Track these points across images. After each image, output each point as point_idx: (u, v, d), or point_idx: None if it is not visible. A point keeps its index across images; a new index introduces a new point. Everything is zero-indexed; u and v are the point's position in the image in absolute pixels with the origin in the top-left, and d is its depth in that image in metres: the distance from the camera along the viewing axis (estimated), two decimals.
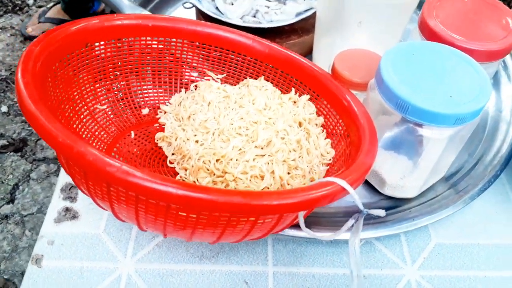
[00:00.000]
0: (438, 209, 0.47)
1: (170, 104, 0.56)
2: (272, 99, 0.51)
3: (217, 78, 0.57)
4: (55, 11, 1.56)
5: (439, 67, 0.45)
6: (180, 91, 0.57)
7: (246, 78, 0.57)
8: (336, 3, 0.54)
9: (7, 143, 1.22)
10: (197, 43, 0.56)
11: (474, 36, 0.49)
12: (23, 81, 0.35)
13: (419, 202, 0.49)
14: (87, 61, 0.48)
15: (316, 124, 0.51)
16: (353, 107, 0.47)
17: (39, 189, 1.15)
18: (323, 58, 0.62)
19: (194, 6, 0.66)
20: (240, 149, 0.45)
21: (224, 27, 0.56)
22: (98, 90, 0.50)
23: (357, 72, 0.51)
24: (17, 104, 1.28)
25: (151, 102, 0.56)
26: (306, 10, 0.62)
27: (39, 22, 1.56)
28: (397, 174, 0.49)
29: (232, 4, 0.63)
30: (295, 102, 0.52)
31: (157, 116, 0.55)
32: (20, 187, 1.13)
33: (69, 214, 0.50)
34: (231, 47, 0.56)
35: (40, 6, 1.69)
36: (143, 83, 0.55)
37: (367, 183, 0.53)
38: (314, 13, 0.62)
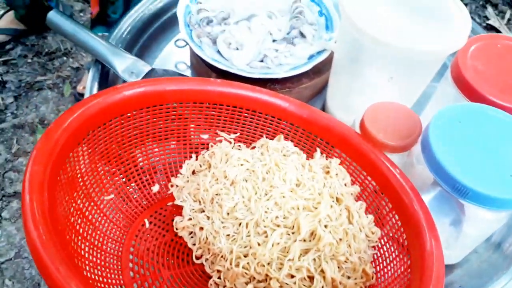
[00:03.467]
0: (489, 281, 0.44)
1: (181, 174, 0.49)
2: (302, 170, 0.46)
3: (230, 138, 0.51)
4: (8, 21, 1.41)
5: (492, 137, 0.41)
6: (191, 157, 0.51)
7: (262, 137, 0.51)
8: (357, 51, 0.48)
9: None
10: (207, 104, 0.49)
11: None
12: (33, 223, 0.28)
13: (464, 271, 0.46)
14: (87, 153, 0.40)
15: (352, 194, 0.46)
16: (401, 183, 0.42)
17: (14, 230, 1.05)
18: (339, 105, 0.57)
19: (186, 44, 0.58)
20: (281, 244, 0.39)
21: (235, 84, 0.49)
22: (103, 177, 0.43)
23: (391, 133, 0.46)
24: None
25: (161, 175, 0.49)
26: (319, 52, 0.56)
27: None
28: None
29: (237, 49, 0.56)
30: (327, 171, 0.47)
31: (169, 192, 0.48)
32: None
33: None
34: (244, 104, 0.50)
35: None
36: (150, 155, 0.48)
37: None
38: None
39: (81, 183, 0.39)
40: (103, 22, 1.24)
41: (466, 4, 1.65)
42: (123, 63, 0.55)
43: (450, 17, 0.47)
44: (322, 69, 0.59)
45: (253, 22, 0.57)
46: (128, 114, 0.44)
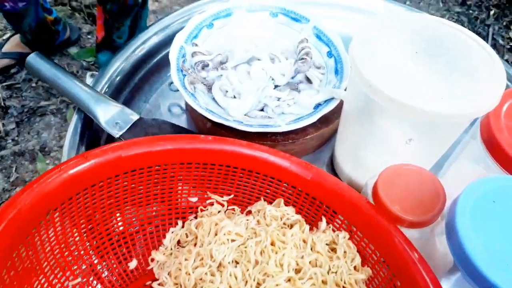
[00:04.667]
0: None
1: (164, 246, 0.43)
2: (304, 249, 0.39)
3: (223, 201, 0.45)
4: (14, 44, 1.38)
5: None
6: (176, 223, 0.44)
7: (259, 199, 0.44)
8: (369, 108, 0.41)
9: None
10: (197, 163, 0.43)
11: None
12: None
13: None
14: (48, 235, 0.34)
15: (363, 281, 0.39)
16: (420, 272, 0.35)
17: None
18: (349, 160, 0.50)
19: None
20: None
21: (229, 140, 0.43)
22: (67, 258, 0.37)
23: (409, 206, 0.39)
24: None
25: (140, 247, 0.42)
26: (327, 101, 0.50)
27: None
28: None
29: (234, 97, 0.49)
30: (333, 248, 0.40)
31: (149, 267, 0.42)
32: None
33: None
34: (240, 163, 0.43)
35: None
36: (128, 224, 0.42)
37: None
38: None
39: (40, 270, 0.33)
40: (108, 47, 1.20)
41: (488, 25, 1.56)
42: (108, 112, 0.49)
43: (479, 69, 0.40)
44: (330, 117, 0.52)
45: (253, 66, 0.51)
46: (101, 183, 0.38)
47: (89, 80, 0.59)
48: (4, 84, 1.35)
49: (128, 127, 0.49)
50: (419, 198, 0.40)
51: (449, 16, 1.59)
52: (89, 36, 1.53)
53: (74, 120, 0.50)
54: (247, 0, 0.57)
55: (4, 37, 1.41)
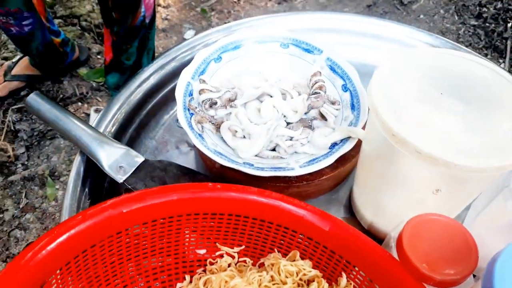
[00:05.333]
0: None
1: None
2: None
3: (234, 252, 0.42)
4: (23, 66, 1.38)
5: None
6: (184, 278, 0.41)
7: (273, 250, 0.41)
8: (391, 155, 0.38)
9: None
10: (204, 214, 0.40)
11: None
12: None
13: None
14: None
15: None
16: None
17: None
18: (369, 205, 0.46)
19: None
20: None
21: (239, 188, 0.40)
22: None
23: (437, 263, 0.35)
24: None
25: None
26: (344, 141, 0.47)
27: (5, 81, 1.37)
28: None
29: (244, 137, 0.47)
30: None
31: None
32: None
33: None
34: (251, 212, 0.40)
35: (5, 58, 1.51)
36: (131, 282, 0.39)
37: None
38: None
39: None
40: (117, 68, 1.19)
41: (506, 38, 1.52)
42: (111, 155, 0.47)
43: None
44: (347, 155, 0.48)
45: (264, 104, 0.48)
46: (102, 242, 0.35)
47: (93, 116, 0.57)
48: (14, 107, 1.34)
49: (132, 170, 0.46)
50: (448, 254, 0.36)
51: (465, 29, 1.55)
52: (98, 56, 1.52)
53: (76, 164, 0.48)
54: (256, 31, 0.54)
55: (14, 60, 1.40)
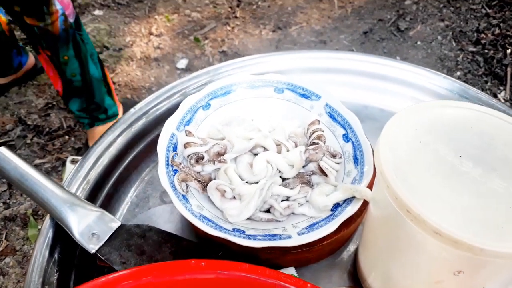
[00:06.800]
0: None
1: None
2: None
3: None
4: None
5: None
6: None
7: None
8: (402, 231, 0.32)
9: None
10: None
11: None
12: None
13: None
14: None
15: None
16: None
17: None
18: (377, 275, 0.40)
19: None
20: None
21: (226, 264, 0.34)
22: None
23: None
24: None
25: None
26: (347, 201, 0.41)
27: None
28: None
29: (234, 198, 0.41)
30: None
31: None
32: None
33: None
34: None
35: None
36: None
37: None
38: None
39: None
40: (72, 93, 1.10)
41: (506, 65, 1.48)
42: (83, 221, 0.41)
43: None
44: (351, 218, 0.43)
45: (257, 160, 0.42)
46: None
47: (69, 168, 0.52)
48: None
49: (107, 238, 0.41)
50: None
51: (463, 56, 1.52)
52: None
53: (44, 230, 0.42)
54: (248, 76, 0.49)
55: None
